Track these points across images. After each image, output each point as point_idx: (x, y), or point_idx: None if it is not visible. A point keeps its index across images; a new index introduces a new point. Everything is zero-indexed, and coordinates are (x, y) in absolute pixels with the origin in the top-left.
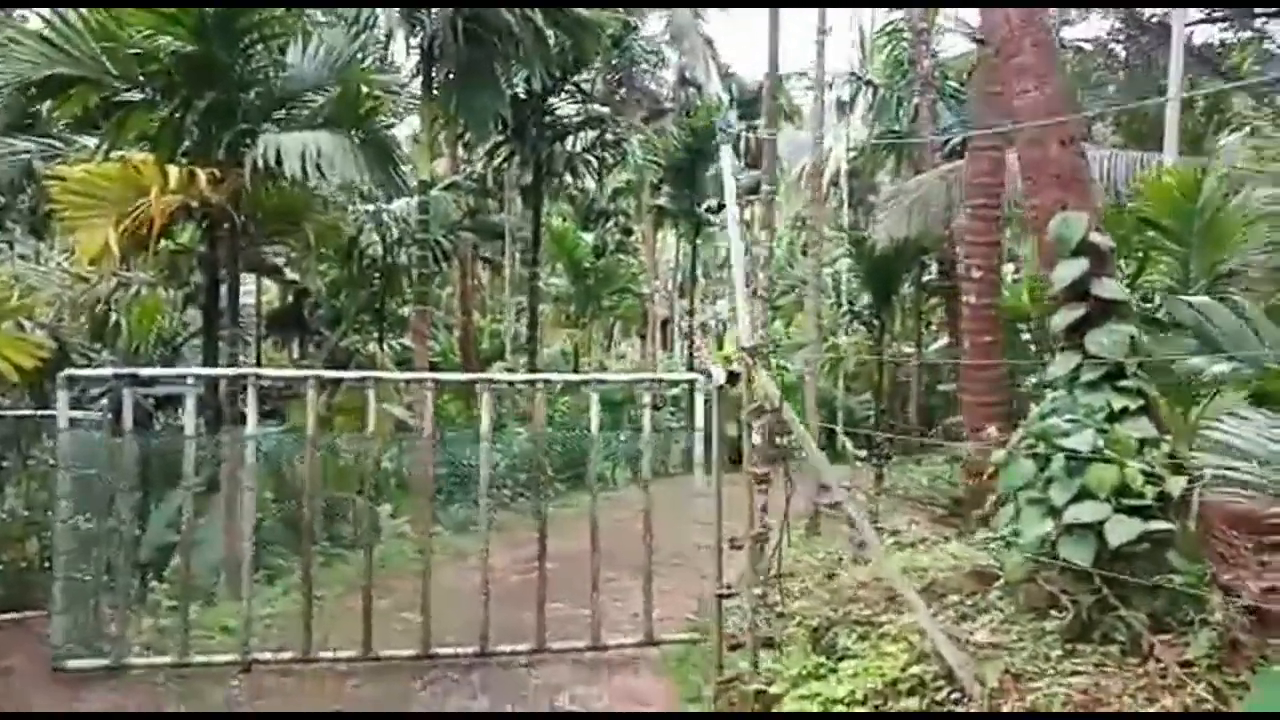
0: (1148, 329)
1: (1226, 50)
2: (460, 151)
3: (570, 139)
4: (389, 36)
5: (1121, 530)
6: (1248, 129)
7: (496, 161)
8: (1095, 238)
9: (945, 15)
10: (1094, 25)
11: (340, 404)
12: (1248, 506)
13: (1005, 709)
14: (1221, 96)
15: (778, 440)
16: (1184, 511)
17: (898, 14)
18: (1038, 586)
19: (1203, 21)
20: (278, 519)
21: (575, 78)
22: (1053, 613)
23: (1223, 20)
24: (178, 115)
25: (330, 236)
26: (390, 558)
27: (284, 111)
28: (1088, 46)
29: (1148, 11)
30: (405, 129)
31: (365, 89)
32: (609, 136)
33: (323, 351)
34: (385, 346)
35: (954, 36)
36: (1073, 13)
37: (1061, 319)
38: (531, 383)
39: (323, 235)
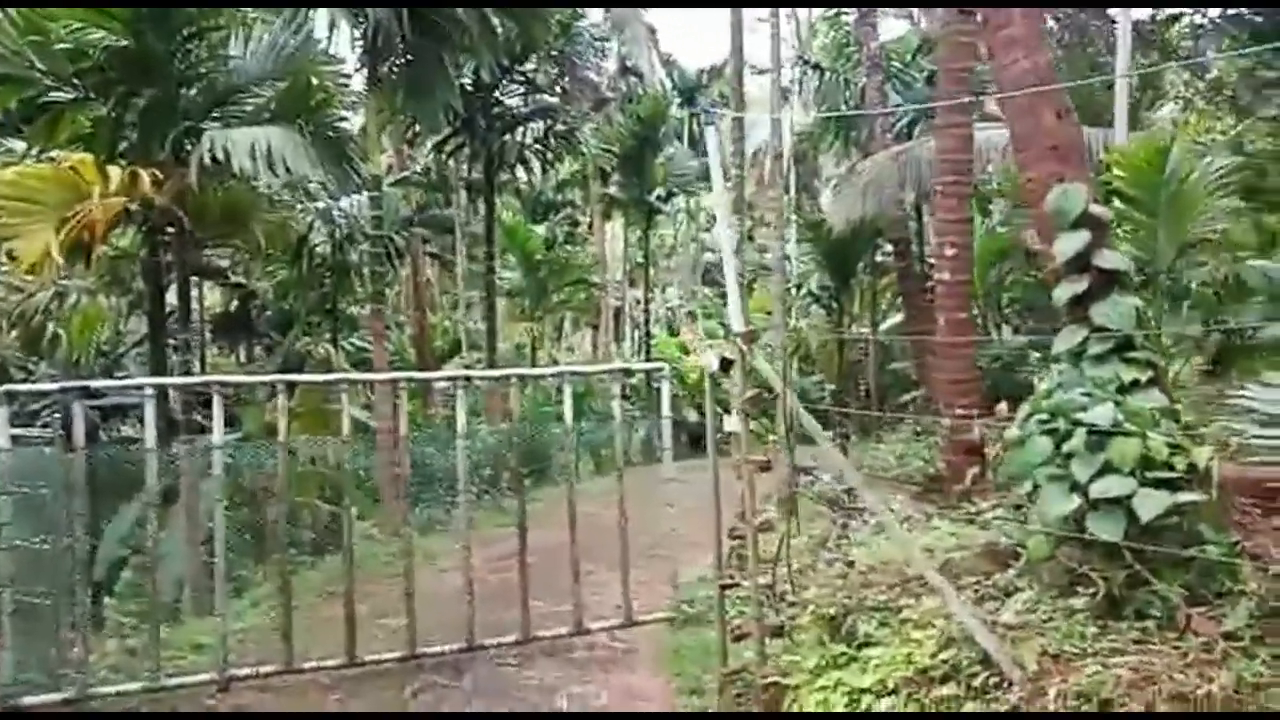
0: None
1: (1159, 25)
2: (405, 148)
3: (520, 130)
4: (332, 27)
5: (1151, 504)
6: (1180, 102)
7: (445, 155)
8: (1095, 209)
9: None
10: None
11: (293, 408)
12: (1261, 472)
13: (1050, 692)
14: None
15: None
16: (1207, 482)
17: None
18: (1060, 564)
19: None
20: (237, 529)
21: (521, 68)
22: (1078, 590)
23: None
24: (114, 114)
25: (279, 236)
26: (362, 561)
27: (228, 107)
28: None
29: None
30: (347, 125)
31: (315, 80)
32: (559, 127)
33: (275, 355)
34: (338, 347)
35: (891, 20)
36: None
37: (1064, 292)
38: (507, 378)
39: (271, 235)
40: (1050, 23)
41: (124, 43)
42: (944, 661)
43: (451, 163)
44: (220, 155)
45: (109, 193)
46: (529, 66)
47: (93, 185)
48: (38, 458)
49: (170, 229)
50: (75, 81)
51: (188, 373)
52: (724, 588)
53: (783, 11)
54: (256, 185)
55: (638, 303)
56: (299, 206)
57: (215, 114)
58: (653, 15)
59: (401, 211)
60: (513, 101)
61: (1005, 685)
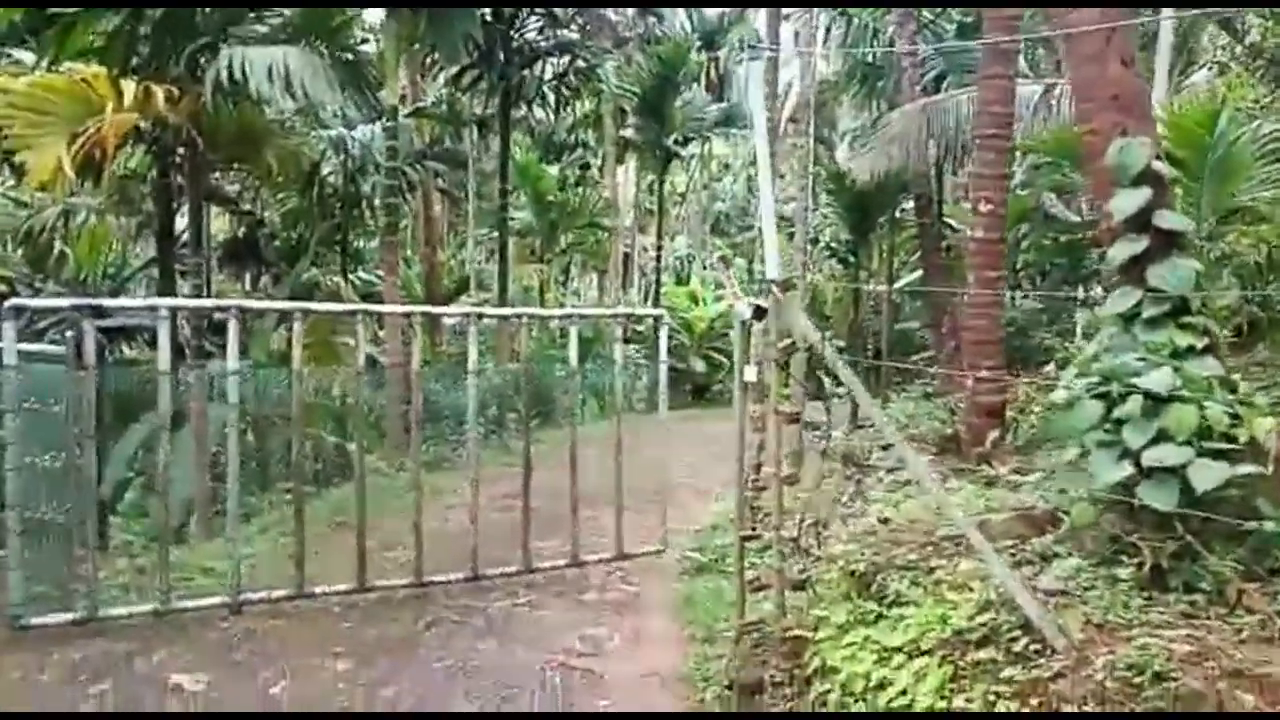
0: None
1: None
2: (419, 79)
3: (540, 64)
4: None
5: (1209, 475)
6: (1215, 67)
7: (462, 89)
8: (1157, 166)
9: None
10: None
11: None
12: None
13: (1097, 661)
14: (1191, 33)
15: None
16: (1263, 454)
17: None
18: (1104, 532)
19: None
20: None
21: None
22: (1123, 559)
23: None
24: (127, 27)
25: (290, 163)
26: (370, 494)
27: (246, 25)
28: None
29: None
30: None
31: None
32: (580, 64)
33: (282, 285)
34: (347, 280)
35: None
36: None
37: (1120, 252)
38: (518, 316)
39: (283, 161)
40: None
41: None
42: (982, 625)
43: (464, 98)
44: (238, 75)
45: (122, 108)
46: None
47: (105, 100)
48: (48, 375)
49: (182, 150)
50: None
51: (197, 297)
52: (744, 538)
53: None
54: (268, 108)
55: (645, 250)
56: (311, 133)
57: (233, 31)
58: None
59: (414, 144)
60: (532, 35)
61: (1049, 652)
